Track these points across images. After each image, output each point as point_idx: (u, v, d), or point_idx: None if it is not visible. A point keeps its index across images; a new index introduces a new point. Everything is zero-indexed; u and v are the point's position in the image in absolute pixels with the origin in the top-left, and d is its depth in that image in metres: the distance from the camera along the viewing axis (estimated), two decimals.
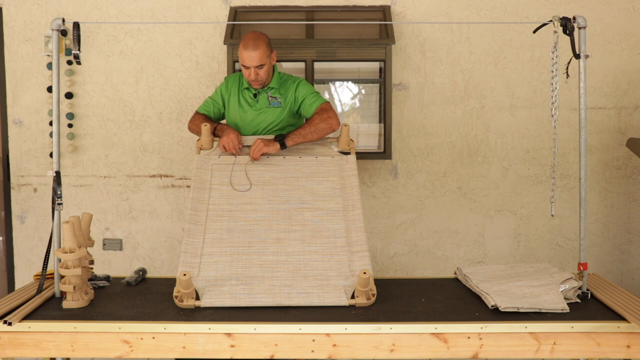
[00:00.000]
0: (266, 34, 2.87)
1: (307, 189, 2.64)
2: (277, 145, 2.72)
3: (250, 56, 2.75)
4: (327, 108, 2.81)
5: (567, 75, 2.48)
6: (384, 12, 3.60)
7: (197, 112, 3.00)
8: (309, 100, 2.86)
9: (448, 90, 3.67)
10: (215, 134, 2.84)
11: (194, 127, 2.93)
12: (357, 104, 3.76)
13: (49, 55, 3.68)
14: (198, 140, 2.80)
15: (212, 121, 2.95)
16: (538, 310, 2.16)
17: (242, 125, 2.92)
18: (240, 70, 2.96)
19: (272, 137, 2.79)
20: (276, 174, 2.70)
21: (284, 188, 2.65)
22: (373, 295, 2.27)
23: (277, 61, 3.50)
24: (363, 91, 3.75)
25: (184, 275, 2.16)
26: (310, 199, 2.61)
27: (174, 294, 2.23)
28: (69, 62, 3.69)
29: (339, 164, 2.75)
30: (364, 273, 2.18)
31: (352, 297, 2.26)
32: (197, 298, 2.23)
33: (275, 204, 2.59)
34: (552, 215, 2.53)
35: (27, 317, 2.13)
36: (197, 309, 2.21)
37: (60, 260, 2.26)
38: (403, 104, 3.68)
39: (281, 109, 2.90)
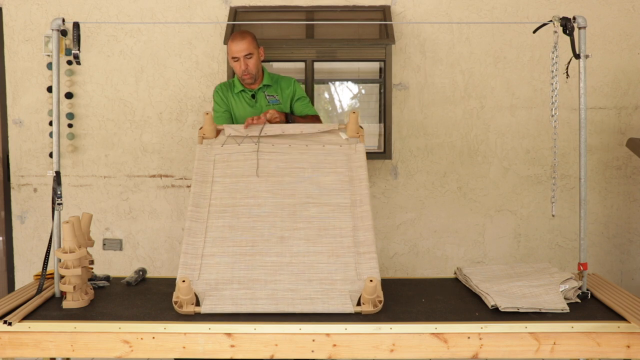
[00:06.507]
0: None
1: (313, 182, 2.54)
2: (284, 117, 2.86)
3: (238, 46, 2.86)
4: (318, 118, 3.08)
5: (567, 75, 2.48)
6: (384, 12, 3.60)
7: None
8: (304, 102, 3.06)
9: (448, 90, 3.67)
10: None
11: None
12: (357, 104, 3.76)
13: (49, 55, 3.68)
14: (200, 128, 2.73)
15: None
16: (538, 310, 2.15)
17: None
18: (224, 81, 2.98)
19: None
20: (281, 164, 2.60)
21: (289, 180, 2.55)
22: (380, 302, 2.18)
23: (277, 61, 3.53)
24: (363, 91, 3.75)
25: (183, 281, 2.11)
26: (317, 192, 2.51)
27: (173, 299, 2.19)
28: (69, 62, 3.69)
29: (347, 153, 2.64)
30: (371, 281, 2.11)
31: (358, 303, 2.19)
32: (197, 303, 2.18)
33: (280, 198, 2.49)
34: (553, 215, 2.52)
35: (27, 317, 2.13)
36: None
37: (60, 260, 2.26)
38: (403, 104, 3.68)
39: (280, 106, 2.99)
